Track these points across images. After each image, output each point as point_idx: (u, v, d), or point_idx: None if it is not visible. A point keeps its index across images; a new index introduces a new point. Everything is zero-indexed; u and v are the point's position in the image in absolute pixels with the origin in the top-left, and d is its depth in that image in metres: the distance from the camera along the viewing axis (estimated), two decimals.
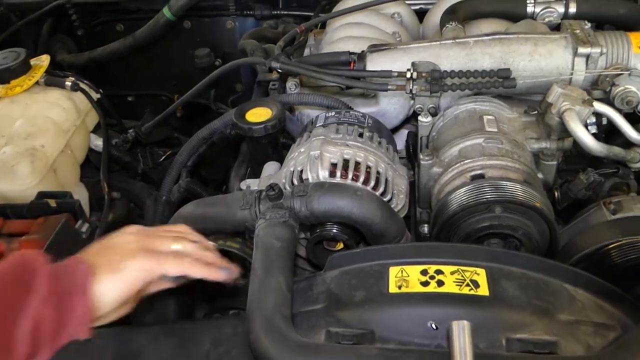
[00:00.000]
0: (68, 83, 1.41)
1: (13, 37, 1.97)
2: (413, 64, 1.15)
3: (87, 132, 1.46)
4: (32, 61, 1.44)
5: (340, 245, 1.04)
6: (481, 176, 0.98)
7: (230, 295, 1.16)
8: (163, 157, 1.69)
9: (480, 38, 1.19)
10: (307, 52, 1.60)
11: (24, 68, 1.39)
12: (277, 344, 0.76)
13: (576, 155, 1.15)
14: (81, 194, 1.41)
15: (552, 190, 1.04)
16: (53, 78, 1.41)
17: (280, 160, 1.25)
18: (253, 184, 1.19)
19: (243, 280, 1.02)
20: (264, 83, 1.49)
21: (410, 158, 1.27)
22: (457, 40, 1.19)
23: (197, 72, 2.01)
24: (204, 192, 1.41)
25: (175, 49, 2.07)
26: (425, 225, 1.10)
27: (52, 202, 1.17)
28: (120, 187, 1.58)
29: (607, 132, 1.09)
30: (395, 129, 1.33)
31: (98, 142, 1.50)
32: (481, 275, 0.84)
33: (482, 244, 0.96)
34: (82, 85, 1.42)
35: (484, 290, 0.82)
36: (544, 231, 0.94)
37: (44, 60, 1.44)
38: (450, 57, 1.18)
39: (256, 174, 1.28)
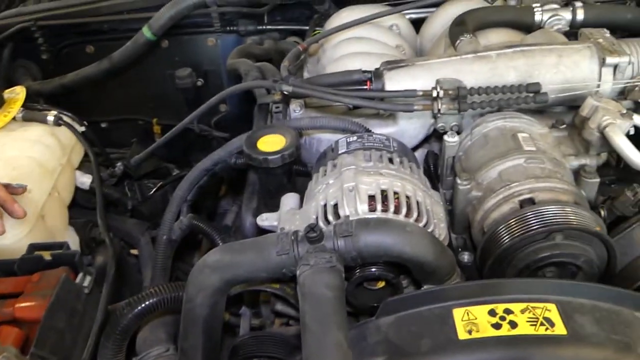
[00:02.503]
0: (50, 118, 1.27)
1: None
2: (438, 81, 1.09)
3: (72, 170, 1.32)
4: (6, 94, 1.30)
5: (382, 283, 0.95)
6: (531, 201, 0.92)
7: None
8: (154, 190, 1.57)
9: (502, 51, 1.13)
10: (304, 70, 1.51)
11: None
12: None
13: (601, 167, 1.11)
14: (72, 239, 1.28)
15: (598, 208, 0.99)
16: (32, 112, 1.27)
17: (294, 189, 1.16)
18: (272, 219, 1.09)
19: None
20: (264, 106, 1.39)
21: (432, 179, 1.20)
22: (478, 54, 1.13)
23: (176, 93, 1.90)
24: (209, 228, 1.30)
25: (152, 70, 1.93)
26: (466, 253, 1.03)
27: (47, 255, 1.04)
28: (110, 225, 1.45)
29: None
30: (413, 149, 1.26)
31: (84, 179, 1.37)
32: (553, 312, 0.78)
33: (538, 274, 0.90)
34: (65, 119, 1.29)
35: (560, 329, 0.76)
36: (602, 255, 0.89)
37: (19, 93, 1.30)
38: (474, 72, 1.12)
39: (269, 205, 1.18)
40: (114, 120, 2.02)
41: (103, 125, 2.02)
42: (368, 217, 0.89)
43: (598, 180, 1.00)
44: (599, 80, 1.10)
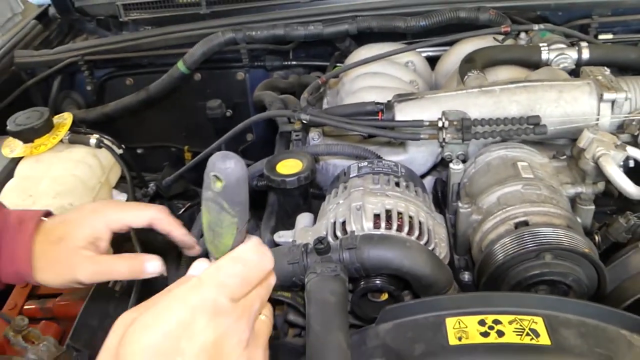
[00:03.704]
0: (92, 140, 1.40)
1: (22, 94, 1.99)
2: (444, 112, 1.18)
3: (110, 188, 1.45)
4: (55, 119, 1.44)
5: (385, 296, 1.03)
6: (525, 223, 0.98)
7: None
8: (182, 210, 1.68)
9: (505, 86, 1.22)
10: (324, 102, 1.62)
11: (48, 127, 1.39)
12: None
13: (602, 197, 1.17)
14: None
15: (592, 234, 1.05)
16: (77, 136, 1.41)
17: (310, 210, 1.25)
18: (287, 236, 1.18)
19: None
20: (285, 134, 1.50)
21: (439, 205, 1.28)
22: (483, 89, 1.22)
23: (206, 123, 2.03)
24: None
25: (185, 101, 2.08)
26: (466, 273, 1.09)
27: None
28: (141, 241, 1.56)
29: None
30: (422, 176, 1.34)
31: (120, 198, 1.49)
32: (539, 324, 0.84)
33: (530, 291, 0.96)
34: (106, 142, 1.42)
35: (545, 340, 0.82)
36: (592, 276, 0.95)
37: (66, 118, 1.44)
38: (478, 105, 1.21)
39: (285, 225, 1.27)
40: (149, 146, 2.17)
41: (139, 151, 2.17)
42: (372, 233, 0.98)
43: (593, 207, 1.06)
44: (598, 114, 1.17)
